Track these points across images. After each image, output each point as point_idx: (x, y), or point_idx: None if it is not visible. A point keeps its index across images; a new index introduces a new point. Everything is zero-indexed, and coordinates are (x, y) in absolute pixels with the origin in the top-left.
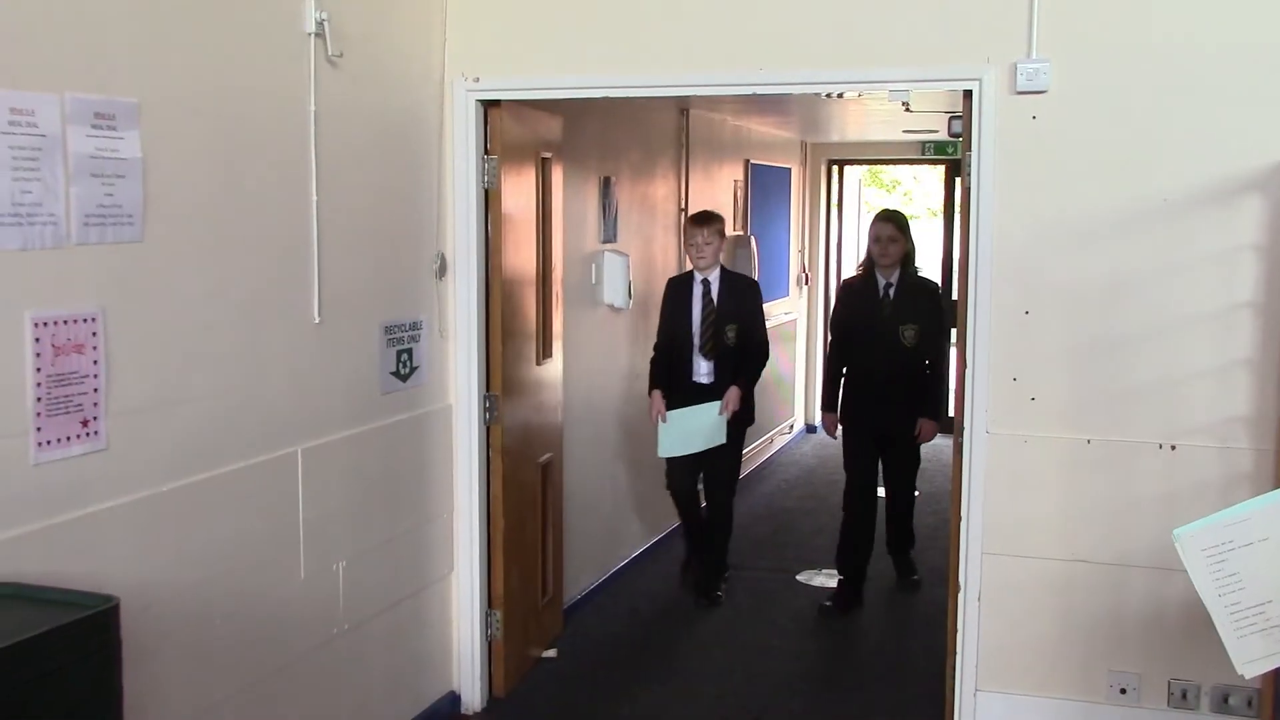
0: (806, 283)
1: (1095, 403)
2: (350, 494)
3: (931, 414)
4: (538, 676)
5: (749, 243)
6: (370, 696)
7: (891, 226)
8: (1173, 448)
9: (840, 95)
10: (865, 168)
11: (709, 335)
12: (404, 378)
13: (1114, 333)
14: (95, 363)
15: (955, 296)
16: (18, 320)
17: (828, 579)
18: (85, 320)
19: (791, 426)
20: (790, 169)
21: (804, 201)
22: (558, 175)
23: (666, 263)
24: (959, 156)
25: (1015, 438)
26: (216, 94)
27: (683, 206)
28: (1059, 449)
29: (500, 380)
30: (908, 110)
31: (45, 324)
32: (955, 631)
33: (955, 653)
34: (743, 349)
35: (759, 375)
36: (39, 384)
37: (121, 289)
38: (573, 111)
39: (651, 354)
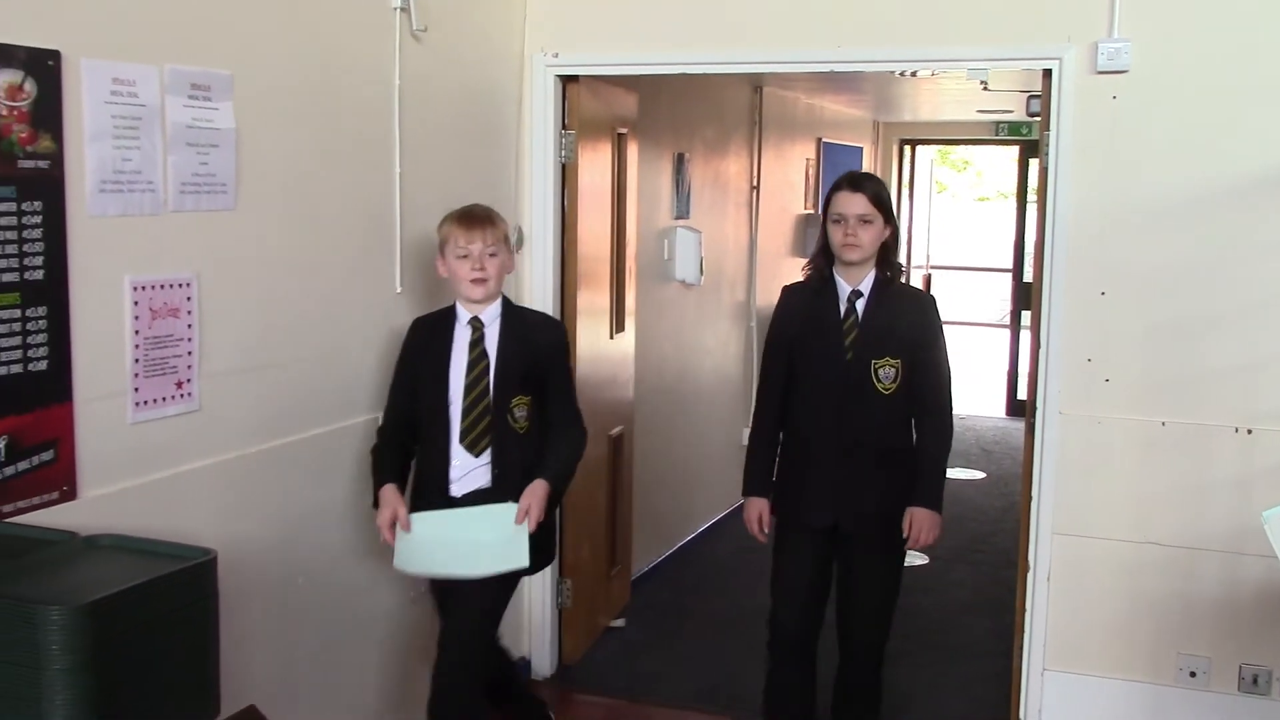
0: None
1: (1170, 385)
2: None
3: (928, 499)
4: (606, 645)
5: (820, 222)
6: None
7: (863, 199)
8: (1249, 431)
9: (914, 74)
10: (937, 148)
11: (480, 412)
12: None
13: (1190, 315)
14: (189, 326)
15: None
16: (118, 284)
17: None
18: (180, 285)
19: None
20: (862, 148)
21: None
22: (633, 151)
23: (739, 240)
24: (1033, 137)
25: (1088, 419)
26: (306, 67)
27: (755, 184)
28: (1132, 431)
29: (574, 353)
30: (985, 89)
31: (143, 288)
32: (1024, 611)
33: (1024, 632)
34: (544, 436)
35: (572, 471)
36: (137, 346)
37: (214, 255)
38: (648, 88)
39: (375, 439)
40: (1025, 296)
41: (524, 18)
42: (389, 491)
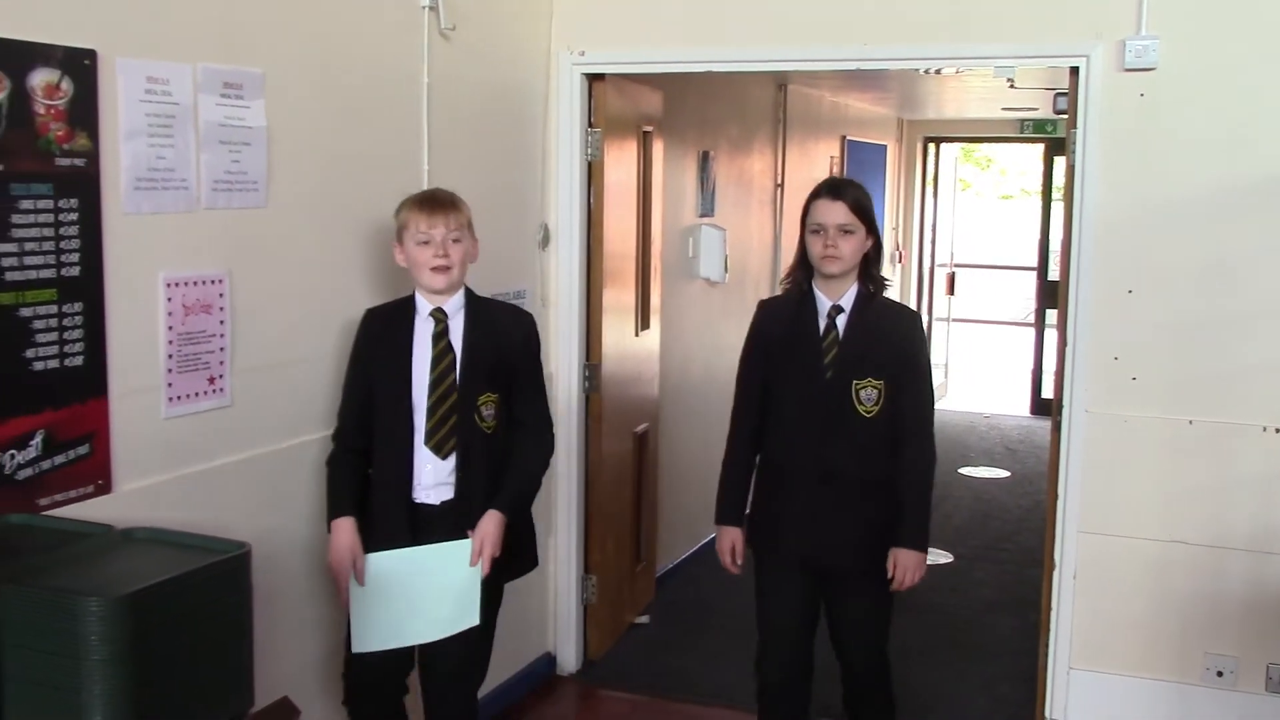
0: (900, 261)
1: (1198, 383)
2: None
3: (912, 539)
4: (630, 641)
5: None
6: None
7: (843, 208)
8: (1277, 430)
9: (939, 71)
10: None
11: (446, 410)
12: None
13: (1219, 313)
14: (221, 323)
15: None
16: (152, 280)
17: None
18: (213, 281)
19: None
20: (886, 146)
21: (899, 179)
22: (658, 149)
23: (763, 238)
24: (1058, 134)
25: (1115, 417)
26: (336, 65)
27: (779, 182)
28: (1159, 429)
29: (600, 350)
30: (1012, 86)
31: (176, 284)
32: (1049, 609)
33: (1049, 630)
34: (510, 437)
35: (536, 486)
36: (170, 342)
37: (245, 252)
38: (674, 86)
39: (332, 447)
40: (1050, 294)
41: (551, 16)
42: (346, 528)
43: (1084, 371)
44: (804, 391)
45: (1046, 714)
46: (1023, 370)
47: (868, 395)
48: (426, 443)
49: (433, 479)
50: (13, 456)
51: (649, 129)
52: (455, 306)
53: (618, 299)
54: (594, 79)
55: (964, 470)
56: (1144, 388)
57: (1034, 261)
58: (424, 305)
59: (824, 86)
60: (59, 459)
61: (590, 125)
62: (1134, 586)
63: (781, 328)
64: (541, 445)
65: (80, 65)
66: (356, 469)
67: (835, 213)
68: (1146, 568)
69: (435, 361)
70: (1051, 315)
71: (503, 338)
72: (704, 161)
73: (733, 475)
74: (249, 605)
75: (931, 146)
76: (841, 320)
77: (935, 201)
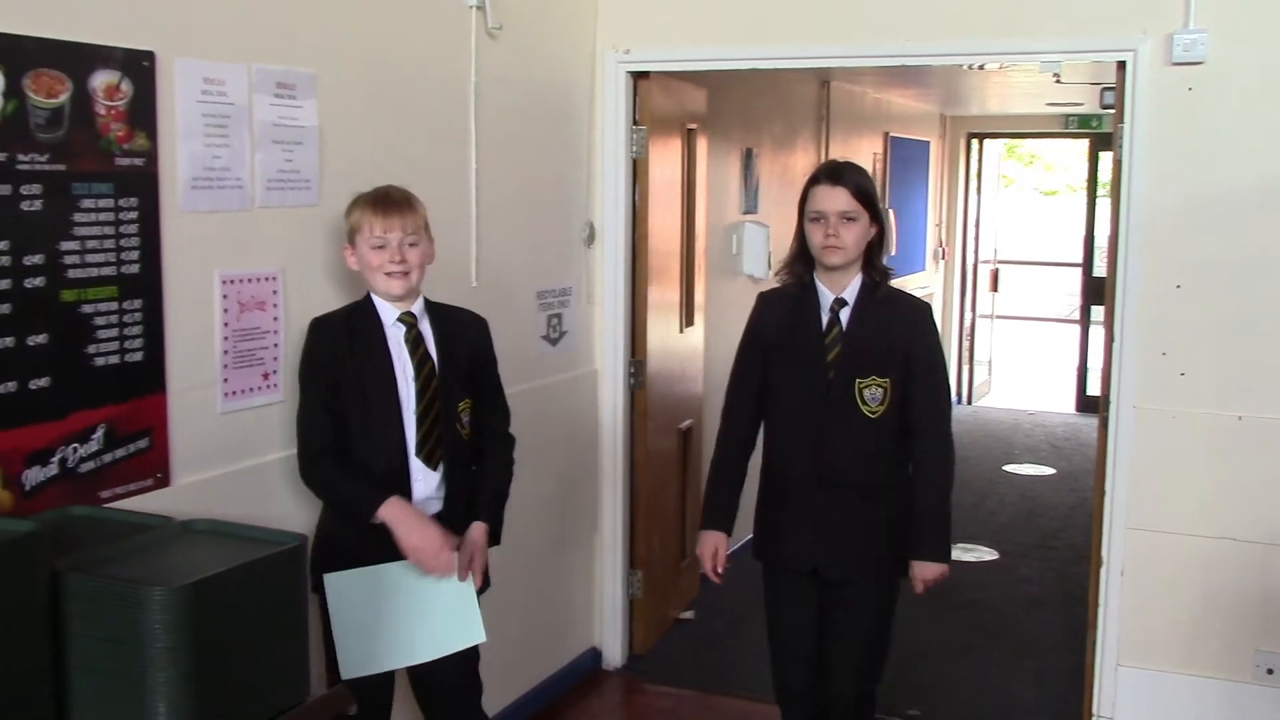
0: (943, 257)
1: (1247, 379)
2: None
3: (933, 550)
4: (675, 636)
5: (887, 216)
6: (518, 648)
7: (845, 194)
8: None
9: (983, 67)
10: (1005, 141)
11: (434, 419)
12: (554, 342)
13: (1267, 308)
14: (275, 319)
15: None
16: (208, 277)
17: (962, 552)
18: (267, 279)
19: None
20: (929, 142)
21: (942, 175)
22: (702, 146)
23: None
24: (1104, 129)
25: (1163, 413)
26: (385, 65)
27: None
28: (1208, 425)
29: (645, 347)
30: (1058, 81)
31: (232, 281)
32: (1097, 605)
33: (1096, 627)
34: (482, 444)
35: (507, 496)
36: (226, 338)
37: (298, 250)
38: (717, 83)
39: (313, 471)
40: (1096, 290)
41: (596, 15)
42: (399, 506)
43: (1131, 367)
44: (804, 391)
45: (1094, 711)
46: (1067, 367)
47: (872, 395)
48: (418, 453)
49: (424, 492)
50: (75, 450)
51: (693, 126)
52: (420, 310)
53: (662, 296)
54: (639, 77)
55: (1008, 467)
56: (1192, 383)
57: (1078, 257)
58: (389, 310)
59: (867, 83)
60: (119, 452)
61: (635, 123)
62: (1182, 583)
63: (781, 323)
64: (507, 458)
65: (139, 67)
66: (357, 472)
67: (836, 199)
68: (1195, 564)
69: (417, 369)
70: (1096, 312)
71: (469, 342)
72: (748, 158)
73: (721, 478)
74: (305, 596)
75: (975, 142)
76: (845, 314)
77: (979, 198)
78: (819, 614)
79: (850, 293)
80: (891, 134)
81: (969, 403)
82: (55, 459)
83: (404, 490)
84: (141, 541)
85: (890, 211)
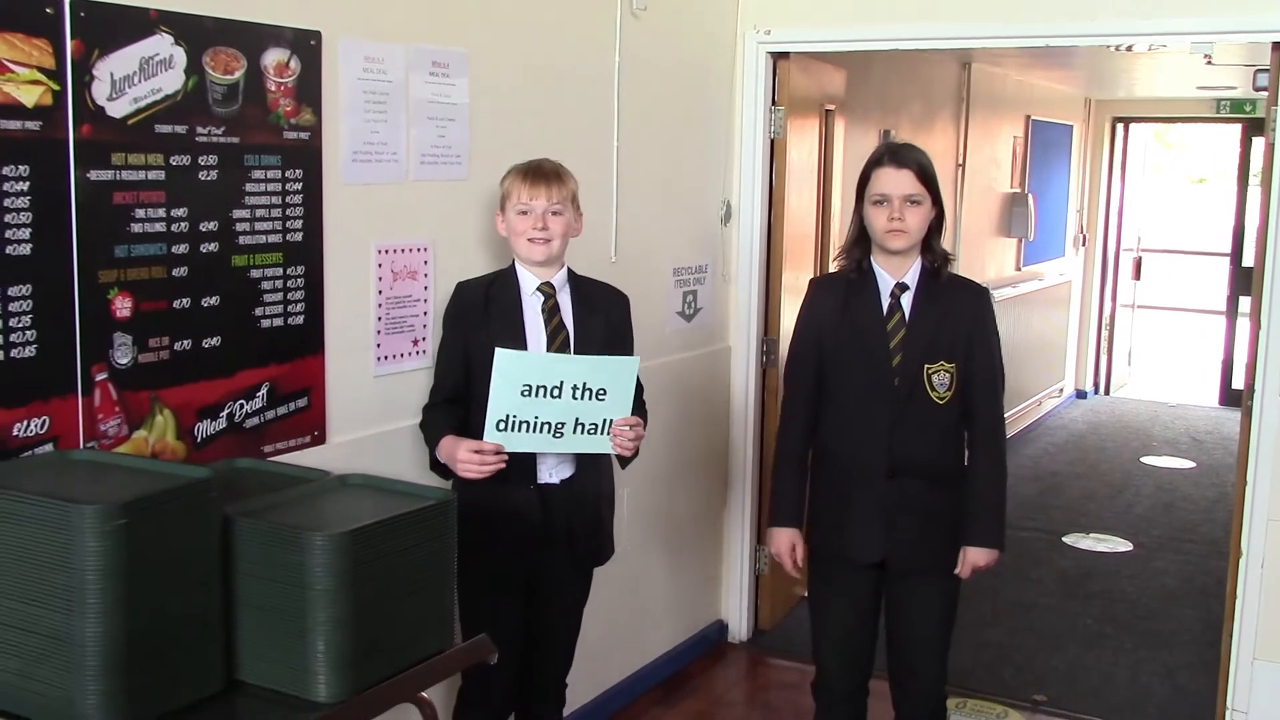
0: (1084, 244)
1: None
2: None
3: (988, 536)
4: (800, 614)
5: (1026, 201)
6: (646, 617)
7: (910, 176)
8: None
9: (1130, 48)
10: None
11: None
12: (688, 318)
13: None
14: (425, 288)
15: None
16: (365, 247)
17: (1096, 543)
18: (418, 249)
19: (1061, 390)
20: (1072, 126)
21: (1085, 160)
22: (840, 128)
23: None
24: (1258, 114)
25: None
26: (533, 45)
27: (960, 162)
28: None
29: (779, 325)
30: (1209, 63)
31: (387, 251)
32: (1234, 598)
33: (1233, 620)
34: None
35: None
36: (380, 305)
37: (447, 223)
38: (856, 64)
39: (426, 405)
40: (1244, 281)
41: None
42: (449, 441)
43: (1278, 358)
44: (869, 379)
45: (1228, 705)
46: (1212, 359)
47: (940, 380)
48: None
49: (555, 456)
50: (242, 406)
51: (831, 107)
52: (560, 281)
53: (796, 279)
54: (778, 57)
55: (1146, 459)
56: None
57: (1226, 247)
58: (529, 279)
59: (1009, 65)
60: (281, 410)
61: (774, 103)
62: None
63: (839, 310)
64: (645, 414)
65: (307, 45)
66: (454, 414)
67: (901, 182)
68: None
69: (550, 339)
70: (1245, 303)
71: (609, 317)
72: (885, 140)
73: (789, 472)
74: (453, 549)
75: (1120, 127)
76: (907, 300)
77: (1123, 184)
78: (878, 609)
79: (911, 277)
80: (1033, 117)
81: (1106, 393)
82: (224, 414)
83: (531, 456)
84: (302, 492)
85: (1030, 196)
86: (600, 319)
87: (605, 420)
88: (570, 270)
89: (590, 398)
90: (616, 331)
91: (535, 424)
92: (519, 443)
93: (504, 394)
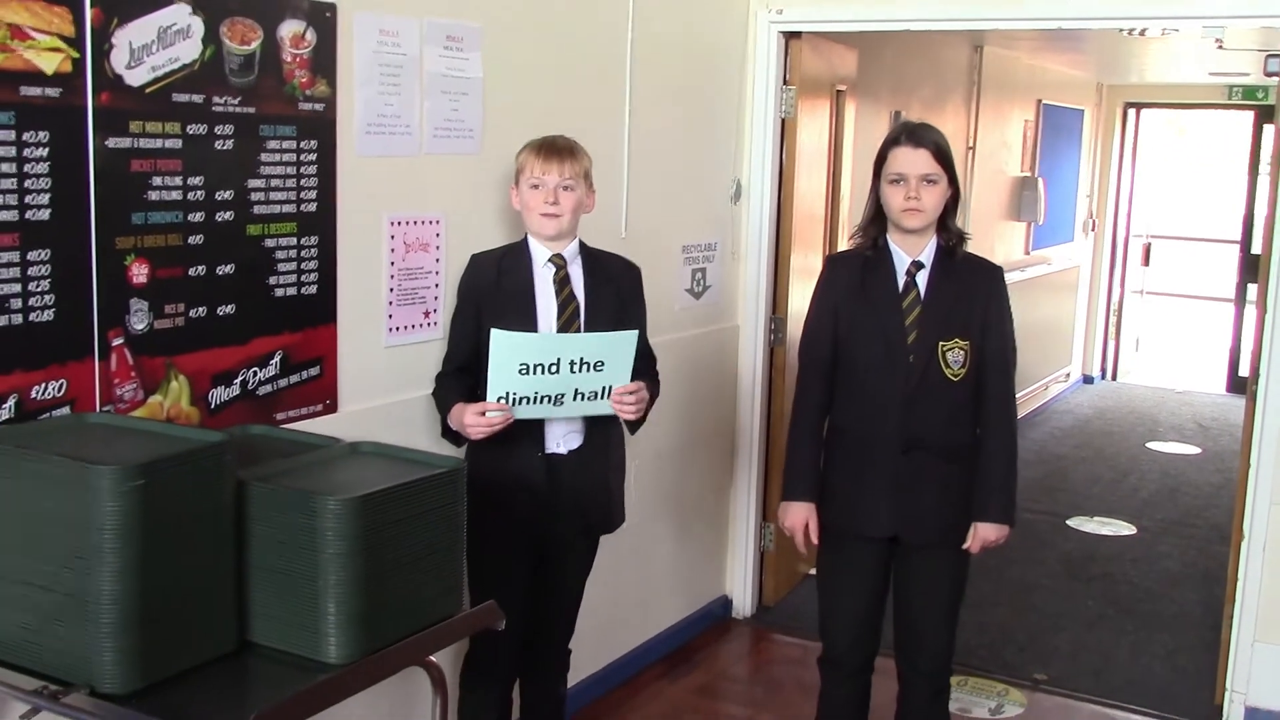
0: (1093, 229)
1: None
2: None
3: (999, 512)
4: (804, 591)
5: (1036, 185)
6: (652, 592)
7: (926, 155)
8: None
9: (1143, 32)
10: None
11: None
12: (697, 295)
13: None
14: (437, 260)
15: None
16: (378, 218)
17: (1100, 526)
18: (430, 222)
19: (1068, 375)
20: (1084, 110)
21: (1095, 145)
22: (851, 109)
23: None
24: (1270, 101)
25: None
26: (547, 21)
27: (970, 145)
28: None
29: (786, 305)
30: (1220, 48)
31: (399, 223)
32: (1235, 581)
33: (1234, 602)
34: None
35: (654, 398)
36: (392, 276)
37: (459, 196)
38: (867, 44)
39: (438, 374)
40: (1253, 268)
41: None
42: (458, 406)
43: None
44: (885, 356)
45: (1228, 686)
46: (1220, 346)
47: (955, 358)
48: None
49: (564, 426)
50: (255, 373)
51: (842, 88)
52: (572, 254)
53: (804, 260)
54: (790, 37)
55: (1152, 445)
56: None
57: (1236, 234)
58: (540, 251)
59: (1021, 48)
60: (294, 378)
61: (785, 83)
62: None
63: (854, 287)
64: (656, 381)
65: (323, 18)
66: (464, 382)
67: (918, 161)
68: None
69: (561, 309)
70: (1253, 291)
71: (619, 288)
72: (896, 122)
73: (803, 447)
74: (463, 516)
75: (1131, 112)
76: (922, 278)
77: (1133, 170)
78: (887, 585)
79: (927, 255)
80: (1044, 101)
81: (1113, 378)
82: (238, 380)
83: (537, 423)
84: (314, 458)
85: (1040, 180)
86: (611, 290)
87: (605, 387)
88: (582, 242)
89: (589, 370)
90: (628, 302)
91: (535, 397)
92: (520, 412)
93: (502, 373)
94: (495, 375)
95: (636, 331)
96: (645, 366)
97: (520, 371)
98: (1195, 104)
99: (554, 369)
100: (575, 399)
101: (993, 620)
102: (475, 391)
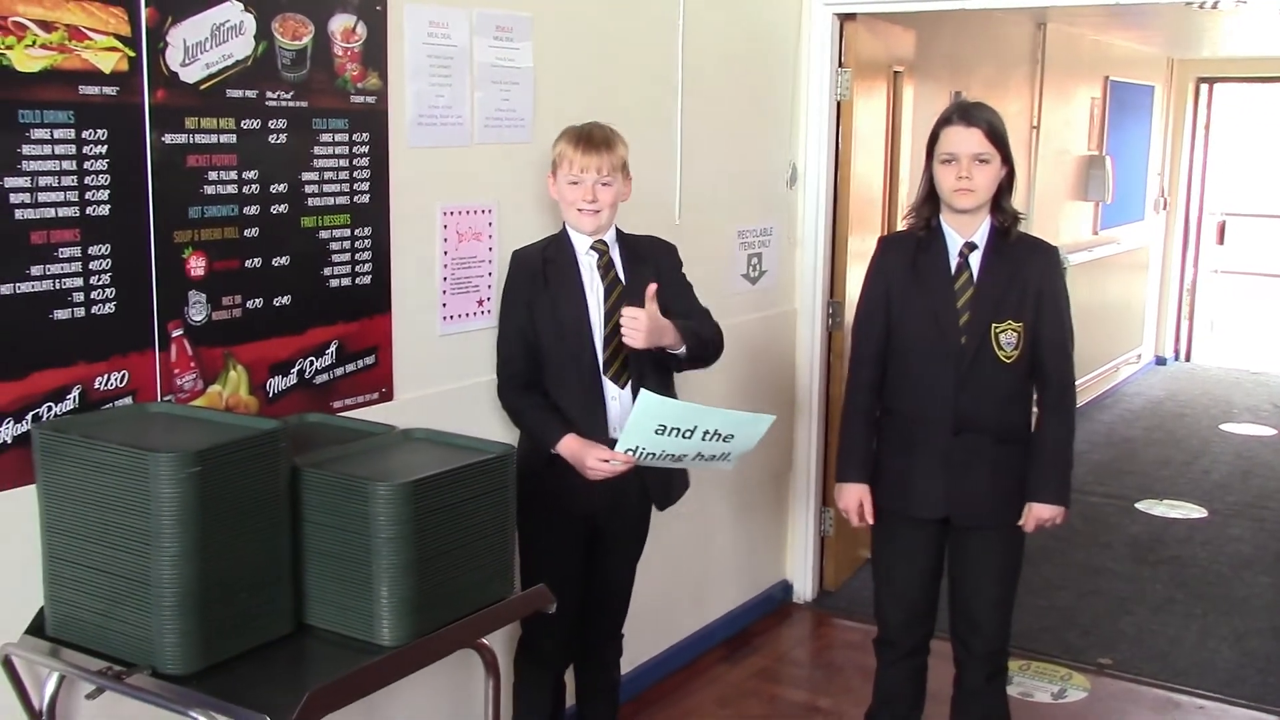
0: (1165, 207)
1: None
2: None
3: (1055, 493)
4: (865, 576)
5: (1104, 163)
6: (711, 576)
7: (978, 135)
8: None
9: (1215, 5)
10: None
11: (617, 340)
12: (753, 280)
13: None
14: (490, 249)
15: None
16: (431, 209)
17: (1169, 509)
18: (483, 211)
19: (1139, 357)
20: (1154, 87)
21: (1167, 121)
22: (909, 90)
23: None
24: None
25: None
26: (597, 7)
27: (1034, 124)
28: None
29: (844, 289)
30: None
31: (452, 213)
32: None
33: None
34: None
35: (707, 348)
36: (445, 266)
37: (511, 185)
38: (925, 24)
39: (509, 399)
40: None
41: None
42: (571, 441)
43: None
44: (937, 338)
45: None
46: None
47: (1008, 339)
48: (605, 372)
49: (618, 411)
50: (311, 363)
51: (900, 69)
52: (612, 239)
53: (862, 243)
54: (845, 19)
55: (1225, 426)
56: None
57: None
58: (581, 240)
59: (1085, 24)
60: (349, 367)
61: (840, 65)
62: None
63: (907, 268)
64: (716, 341)
65: (373, 10)
66: (548, 401)
67: (970, 140)
68: None
69: (608, 292)
70: None
71: (658, 267)
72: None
73: (858, 427)
74: (513, 501)
75: (1204, 87)
76: (975, 259)
77: (1206, 145)
78: (941, 566)
79: (980, 236)
80: (1112, 78)
81: (1187, 359)
82: (294, 370)
83: (599, 409)
84: (368, 445)
85: (1108, 159)
86: (650, 267)
87: (725, 453)
88: (618, 229)
89: (718, 440)
90: (668, 278)
91: (660, 454)
92: (642, 461)
93: (639, 429)
94: (631, 430)
95: (773, 417)
96: (692, 313)
97: (656, 431)
98: (1271, 77)
99: (688, 435)
100: (695, 459)
101: (1057, 604)
102: (548, 396)
